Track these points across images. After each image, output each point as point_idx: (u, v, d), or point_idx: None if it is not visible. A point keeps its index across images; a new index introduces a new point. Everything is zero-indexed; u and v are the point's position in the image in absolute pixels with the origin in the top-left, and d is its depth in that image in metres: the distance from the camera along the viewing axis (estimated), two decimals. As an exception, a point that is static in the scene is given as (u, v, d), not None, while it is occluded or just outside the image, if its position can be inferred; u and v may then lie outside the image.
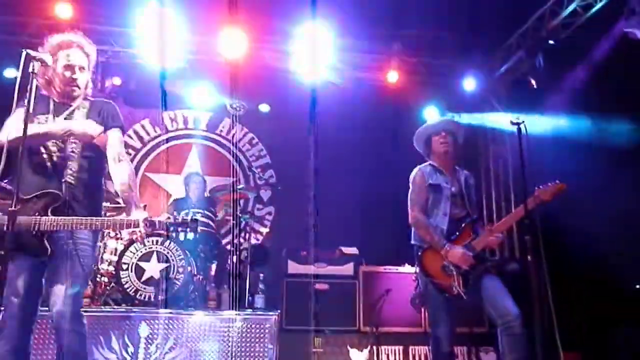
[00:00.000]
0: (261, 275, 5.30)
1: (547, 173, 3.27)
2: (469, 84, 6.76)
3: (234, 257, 5.19)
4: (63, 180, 2.55)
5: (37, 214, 2.44)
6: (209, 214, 5.37)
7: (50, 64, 2.53)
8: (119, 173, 2.65)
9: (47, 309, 2.51)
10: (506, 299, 3.10)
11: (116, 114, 2.79)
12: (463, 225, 3.34)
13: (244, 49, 5.95)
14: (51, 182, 2.54)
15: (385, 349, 4.86)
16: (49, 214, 2.46)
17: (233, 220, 5.55)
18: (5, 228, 2.17)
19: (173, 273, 4.63)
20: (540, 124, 5.28)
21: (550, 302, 2.95)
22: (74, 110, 2.70)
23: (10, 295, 2.36)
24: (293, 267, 5.25)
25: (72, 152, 2.59)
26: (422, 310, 4.52)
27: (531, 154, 3.01)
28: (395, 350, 4.90)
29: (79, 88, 2.72)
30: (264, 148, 7.17)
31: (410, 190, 3.48)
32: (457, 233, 3.32)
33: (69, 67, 2.67)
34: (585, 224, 4.42)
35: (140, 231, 2.51)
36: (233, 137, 7.10)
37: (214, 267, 5.23)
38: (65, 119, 2.66)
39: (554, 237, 3.17)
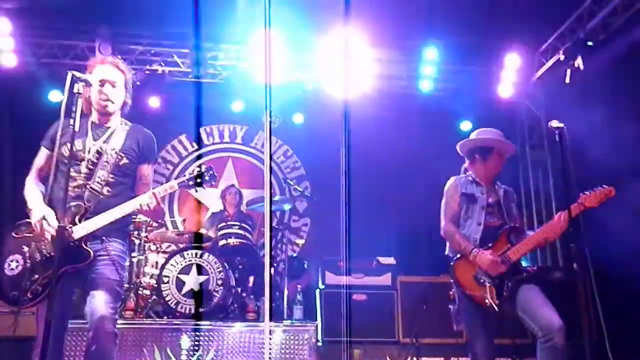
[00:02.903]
0: (299, 286, 5.31)
1: (589, 178, 3.16)
2: (506, 89, 6.63)
3: (271, 269, 5.22)
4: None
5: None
6: (246, 226, 5.43)
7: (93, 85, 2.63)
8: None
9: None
10: (546, 310, 2.92)
11: (152, 147, 2.91)
12: (499, 233, 3.22)
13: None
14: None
15: (425, 361, 4.78)
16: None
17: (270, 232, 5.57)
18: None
19: (212, 285, 4.70)
20: (582, 126, 5.10)
21: (600, 312, 2.82)
22: (112, 134, 2.81)
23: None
24: (330, 278, 5.24)
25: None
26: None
27: (572, 158, 2.91)
28: (436, 362, 4.82)
29: (112, 102, 2.80)
30: (299, 160, 7.21)
31: (443, 201, 3.40)
32: (491, 243, 3.20)
33: (103, 81, 2.77)
34: (634, 228, 4.24)
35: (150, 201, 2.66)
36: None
37: (252, 279, 5.27)
38: (104, 142, 2.77)
39: (600, 243, 3.02)
